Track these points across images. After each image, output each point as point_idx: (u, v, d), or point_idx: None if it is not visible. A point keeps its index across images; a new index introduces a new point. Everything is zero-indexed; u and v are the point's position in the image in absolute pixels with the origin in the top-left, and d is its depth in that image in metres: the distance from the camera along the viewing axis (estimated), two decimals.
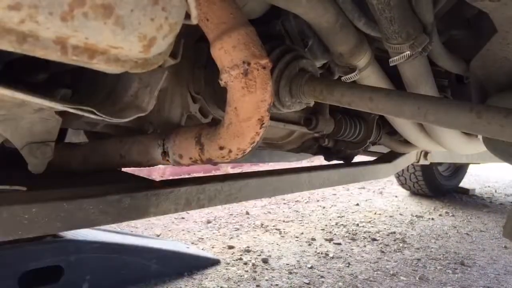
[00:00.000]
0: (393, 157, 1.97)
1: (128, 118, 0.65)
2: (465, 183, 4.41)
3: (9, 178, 0.92)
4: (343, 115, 1.51)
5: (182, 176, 1.18)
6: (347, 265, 2.42)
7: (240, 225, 3.03)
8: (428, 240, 2.95)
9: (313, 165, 1.68)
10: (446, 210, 3.70)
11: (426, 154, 2.12)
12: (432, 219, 3.44)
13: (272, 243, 2.70)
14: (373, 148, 1.97)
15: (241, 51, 0.73)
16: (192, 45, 1.01)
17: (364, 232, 3.02)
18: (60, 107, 0.56)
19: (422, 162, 2.14)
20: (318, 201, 3.83)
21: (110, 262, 1.89)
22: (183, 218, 3.07)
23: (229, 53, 0.73)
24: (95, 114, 0.57)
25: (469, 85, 1.18)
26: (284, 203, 3.66)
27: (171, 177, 1.19)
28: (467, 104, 0.82)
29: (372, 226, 3.18)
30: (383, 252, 2.66)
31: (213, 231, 2.87)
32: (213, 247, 2.57)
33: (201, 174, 3.89)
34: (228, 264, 2.34)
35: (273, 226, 3.04)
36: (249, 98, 0.75)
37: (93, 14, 0.44)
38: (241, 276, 2.20)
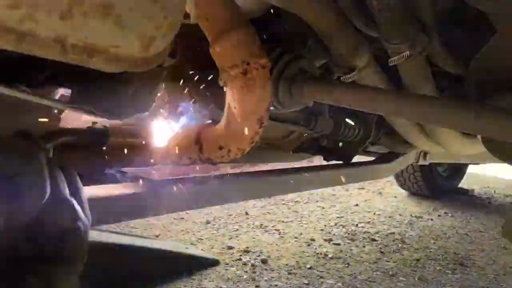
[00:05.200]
0: (393, 157, 1.97)
1: (127, 117, 0.65)
2: (464, 183, 4.41)
3: None
4: (343, 115, 1.51)
5: (182, 177, 1.18)
6: (346, 265, 2.42)
7: (239, 225, 3.02)
8: (427, 240, 2.95)
9: (312, 165, 1.68)
10: (445, 210, 3.70)
11: (425, 154, 2.12)
12: (431, 219, 3.44)
13: (271, 244, 2.69)
14: (372, 148, 1.97)
15: (240, 50, 0.73)
16: (191, 45, 1.01)
17: (363, 233, 3.02)
18: (60, 106, 0.56)
19: (422, 162, 2.14)
20: (317, 201, 3.82)
21: (110, 263, 1.89)
22: (182, 218, 3.07)
23: (229, 53, 0.73)
24: (94, 113, 0.57)
25: (468, 85, 1.17)
26: (283, 204, 3.66)
27: (170, 177, 1.19)
28: (466, 104, 0.82)
29: (371, 227, 3.17)
30: (382, 252, 2.66)
31: (212, 231, 2.87)
32: (212, 248, 2.57)
33: (200, 174, 3.89)
34: (227, 264, 2.34)
35: (272, 226, 3.04)
36: (249, 97, 0.75)
37: (92, 13, 0.44)
38: (240, 276, 2.20)
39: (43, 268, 0.56)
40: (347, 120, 1.51)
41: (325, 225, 3.14)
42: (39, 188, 0.53)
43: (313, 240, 2.80)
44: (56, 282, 0.58)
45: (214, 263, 2.32)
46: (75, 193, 0.60)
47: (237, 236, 2.79)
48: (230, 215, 3.23)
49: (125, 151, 1.00)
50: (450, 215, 3.59)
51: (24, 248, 0.54)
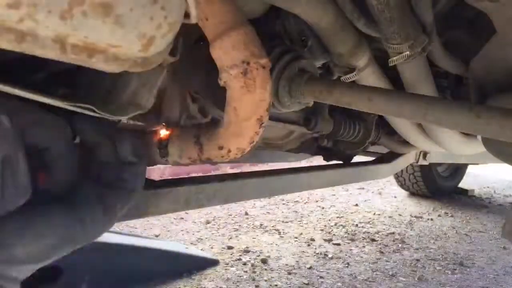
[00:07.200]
0: (392, 157, 1.97)
1: (127, 115, 0.65)
2: (464, 183, 4.41)
3: None
4: (343, 115, 1.51)
5: (181, 176, 1.18)
6: (346, 265, 2.42)
7: (239, 225, 3.02)
8: (427, 240, 2.95)
9: (312, 165, 1.68)
10: (445, 210, 3.70)
11: (425, 154, 2.12)
12: (431, 219, 3.44)
13: (271, 244, 2.69)
14: (372, 149, 1.97)
15: (240, 50, 0.73)
16: (191, 45, 1.01)
17: (363, 233, 3.02)
18: (60, 104, 0.56)
19: (421, 162, 2.14)
20: (317, 201, 3.83)
21: (109, 263, 1.89)
22: (182, 218, 3.07)
23: (229, 52, 0.73)
24: (94, 112, 0.57)
25: (468, 85, 1.17)
26: (283, 204, 3.66)
27: (170, 177, 1.19)
28: (466, 104, 0.82)
29: (371, 227, 3.18)
30: (382, 252, 2.66)
31: (212, 231, 2.87)
32: (212, 248, 2.57)
33: (200, 174, 3.88)
34: (227, 264, 2.34)
35: (272, 226, 3.04)
36: (249, 97, 0.75)
37: (92, 13, 0.44)
38: (240, 276, 2.20)
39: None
40: (347, 120, 1.51)
41: (325, 225, 3.14)
42: None
43: (313, 240, 2.80)
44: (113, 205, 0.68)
45: (214, 263, 2.32)
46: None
47: (237, 236, 2.79)
48: (230, 215, 3.23)
49: None
50: (450, 215, 3.59)
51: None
